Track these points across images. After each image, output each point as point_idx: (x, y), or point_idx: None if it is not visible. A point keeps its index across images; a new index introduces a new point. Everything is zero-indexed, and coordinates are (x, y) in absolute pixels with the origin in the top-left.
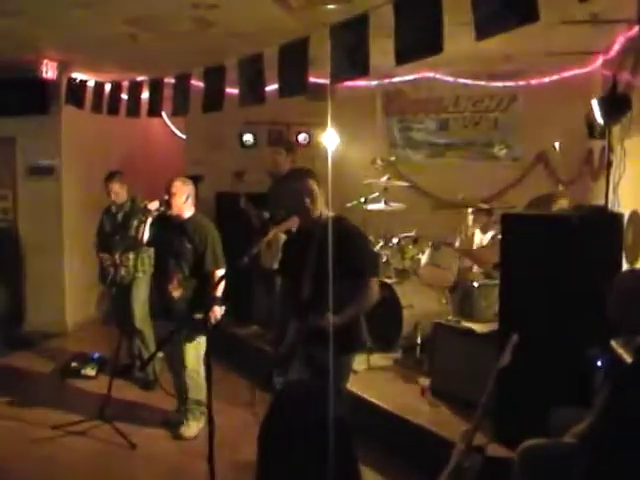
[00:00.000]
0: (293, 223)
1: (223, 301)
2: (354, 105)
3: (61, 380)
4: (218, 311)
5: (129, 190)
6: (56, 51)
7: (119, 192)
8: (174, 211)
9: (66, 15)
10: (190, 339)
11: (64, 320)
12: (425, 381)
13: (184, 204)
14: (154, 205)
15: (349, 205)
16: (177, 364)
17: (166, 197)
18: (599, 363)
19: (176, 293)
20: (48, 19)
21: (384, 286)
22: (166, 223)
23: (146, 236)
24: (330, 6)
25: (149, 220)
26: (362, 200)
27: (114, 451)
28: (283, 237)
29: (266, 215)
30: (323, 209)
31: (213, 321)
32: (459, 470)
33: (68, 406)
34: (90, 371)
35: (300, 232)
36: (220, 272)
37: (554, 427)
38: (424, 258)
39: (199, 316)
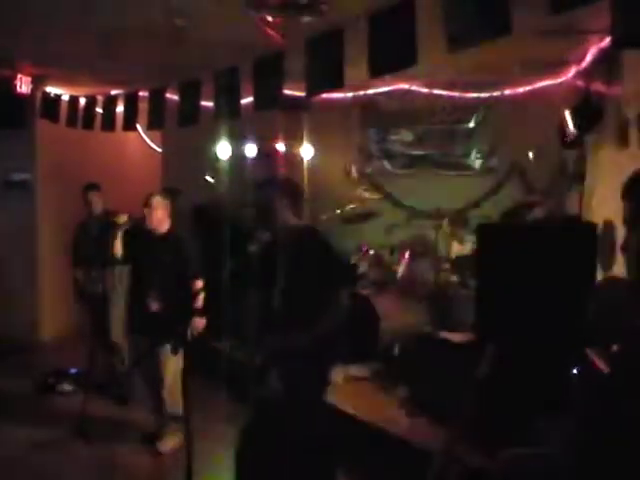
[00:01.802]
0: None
1: (204, 313)
2: (330, 117)
3: (37, 397)
4: (199, 323)
5: (104, 204)
6: (30, 65)
7: (98, 202)
8: (153, 225)
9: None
10: (169, 353)
11: (39, 335)
12: (403, 392)
13: (162, 218)
14: (122, 219)
15: (325, 217)
16: (154, 379)
17: (146, 211)
18: (575, 371)
19: (155, 306)
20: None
21: (361, 297)
22: (143, 237)
23: (119, 251)
24: (304, 18)
25: (119, 235)
26: (338, 212)
27: (92, 468)
28: None
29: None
30: (294, 219)
31: (194, 333)
32: None
33: (45, 423)
34: (67, 387)
35: (275, 243)
36: (198, 283)
37: (533, 436)
38: (401, 269)
39: (177, 330)
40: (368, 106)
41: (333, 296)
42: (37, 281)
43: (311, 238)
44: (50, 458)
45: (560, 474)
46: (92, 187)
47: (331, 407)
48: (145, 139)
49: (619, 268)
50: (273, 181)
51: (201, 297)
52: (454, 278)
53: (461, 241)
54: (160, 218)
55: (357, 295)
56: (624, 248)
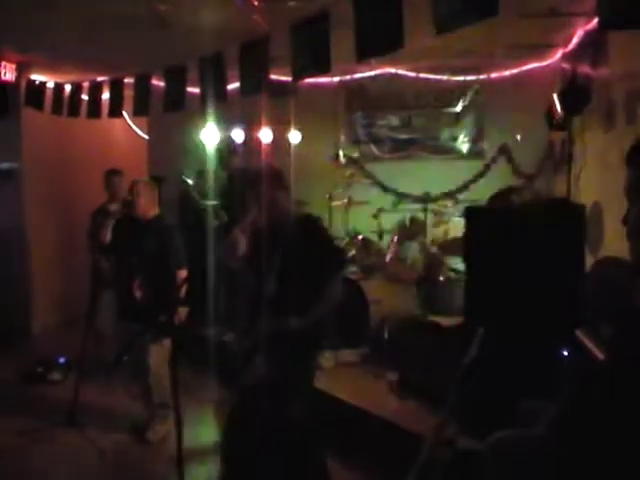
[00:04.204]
0: (250, 219)
1: (187, 302)
2: (317, 102)
3: (26, 386)
4: (182, 312)
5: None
6: (14, 52)
7: (121, 188)
8: (139, 212)
9: (25, 16)
10: (155, 341)
11: (29, 324)
12: (393, 376)
13: (148, 205)
14: (114, 207)
15: (313, 202)
16: (141, 367)
17: (130, 198)
18: (565, 353)
19: (140, 294)
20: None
21: (350, 282)
22: (129, 225)
23: (108, 239)
24: (289, 2)
25: (110, 223)
26: (326, 196)
27: (82, 457)
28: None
29: (224, 216)
30: (288, 206)
31: (177, 322)
32: (429, 464)
33: (34, 413)
34: (56, 376)
35: (266, 228)
36: (183, 272)
37: (522, 419)
38: (389, 253)
39: (163, 318)
40: (355, 90)
41: (328, 282)
42: (28, 270)
43: (309, 226)
44: (39, 447)
45: (549, 456)
46: (116, 172)
47: (320, 392)
48: (131, 126)
49: (606, 250)
50: (266, 170)
51: (185, 286)
52: (442, 262)
53: (449, 225)
54: (145, 205)
55: (346, 280)
56: (625, 220)
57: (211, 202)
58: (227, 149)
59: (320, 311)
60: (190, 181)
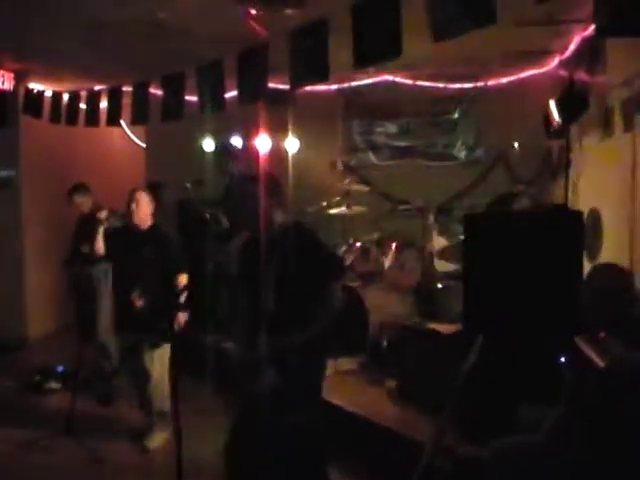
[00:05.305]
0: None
1: (186, 307)
2: (314, 109)
3: (24, 395)
4: (182, 317)
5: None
6: (12, 61)
7: (83, 203)
8: (137, 221)
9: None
10: (155, 349)
11: (26, 333)
12: (392, 383)
13: (147, 213)
14: (103, 215)
15: (311, 210)
16: (141, 375)
17: (133, 206)
18: (563, 359)
19: (139, 302)
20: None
21: (349, 290)
22: (125, 233)
23: (101, 248)
24: (288, 11)
25: (100, 230)
26: (324, 204)
27: (80, 466)
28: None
29: (225, 222)
30: (283, 214)
31: (177, 328)
32: (429, 471)
33: (32, 422)
34: (54, 385)
35: (260, 237)
36: (183, 277)
37: (521, 426)
38: (388, 261)
39: (163, 324)
40: (352, 98)
41: (327, 291)
42: (23, 279)
43: (301, 235)
44: (37, 457)
45: (550, 462)
46: (75, 189)
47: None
48: (129, 134)
49: (604, 257)
50: (257, 178)
51: (186, 291)
52: (441, 269)
53: (447, 232)
54: (144, 214)
55: (345, 287)
56: None
57: (210, 208)
58: (225, 155)
59: (322, 321)
60: (189, 187)
